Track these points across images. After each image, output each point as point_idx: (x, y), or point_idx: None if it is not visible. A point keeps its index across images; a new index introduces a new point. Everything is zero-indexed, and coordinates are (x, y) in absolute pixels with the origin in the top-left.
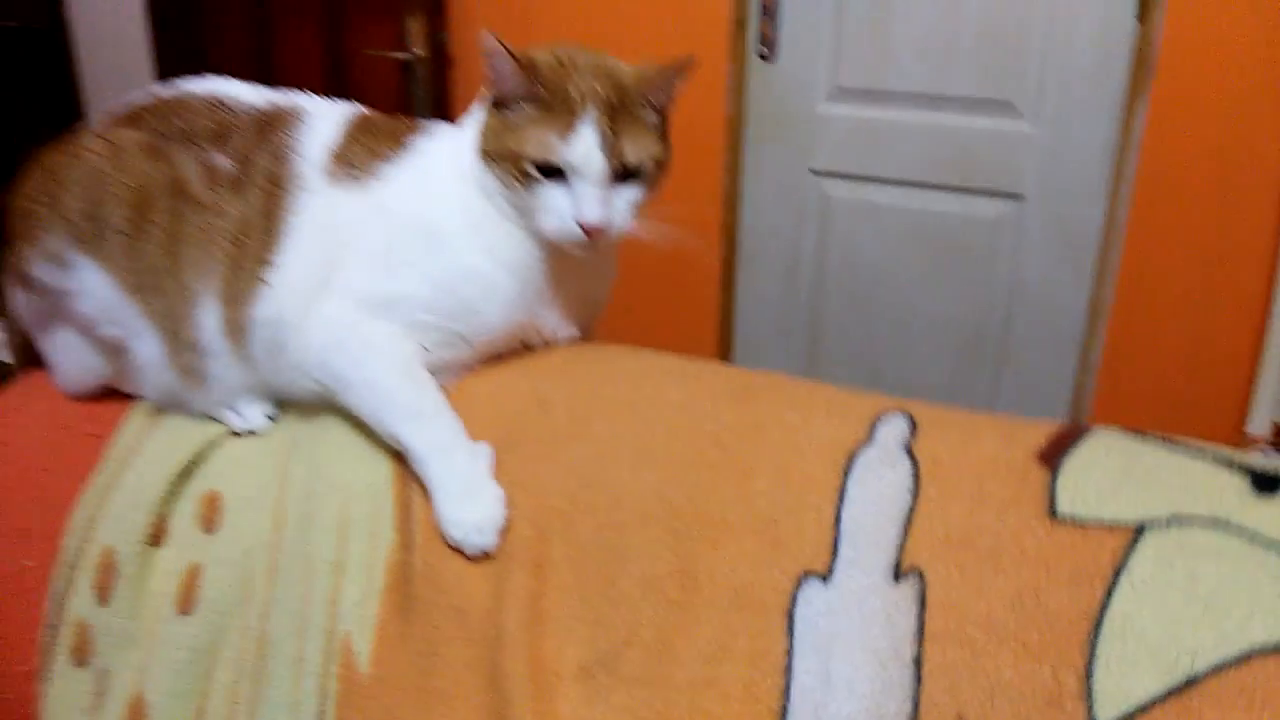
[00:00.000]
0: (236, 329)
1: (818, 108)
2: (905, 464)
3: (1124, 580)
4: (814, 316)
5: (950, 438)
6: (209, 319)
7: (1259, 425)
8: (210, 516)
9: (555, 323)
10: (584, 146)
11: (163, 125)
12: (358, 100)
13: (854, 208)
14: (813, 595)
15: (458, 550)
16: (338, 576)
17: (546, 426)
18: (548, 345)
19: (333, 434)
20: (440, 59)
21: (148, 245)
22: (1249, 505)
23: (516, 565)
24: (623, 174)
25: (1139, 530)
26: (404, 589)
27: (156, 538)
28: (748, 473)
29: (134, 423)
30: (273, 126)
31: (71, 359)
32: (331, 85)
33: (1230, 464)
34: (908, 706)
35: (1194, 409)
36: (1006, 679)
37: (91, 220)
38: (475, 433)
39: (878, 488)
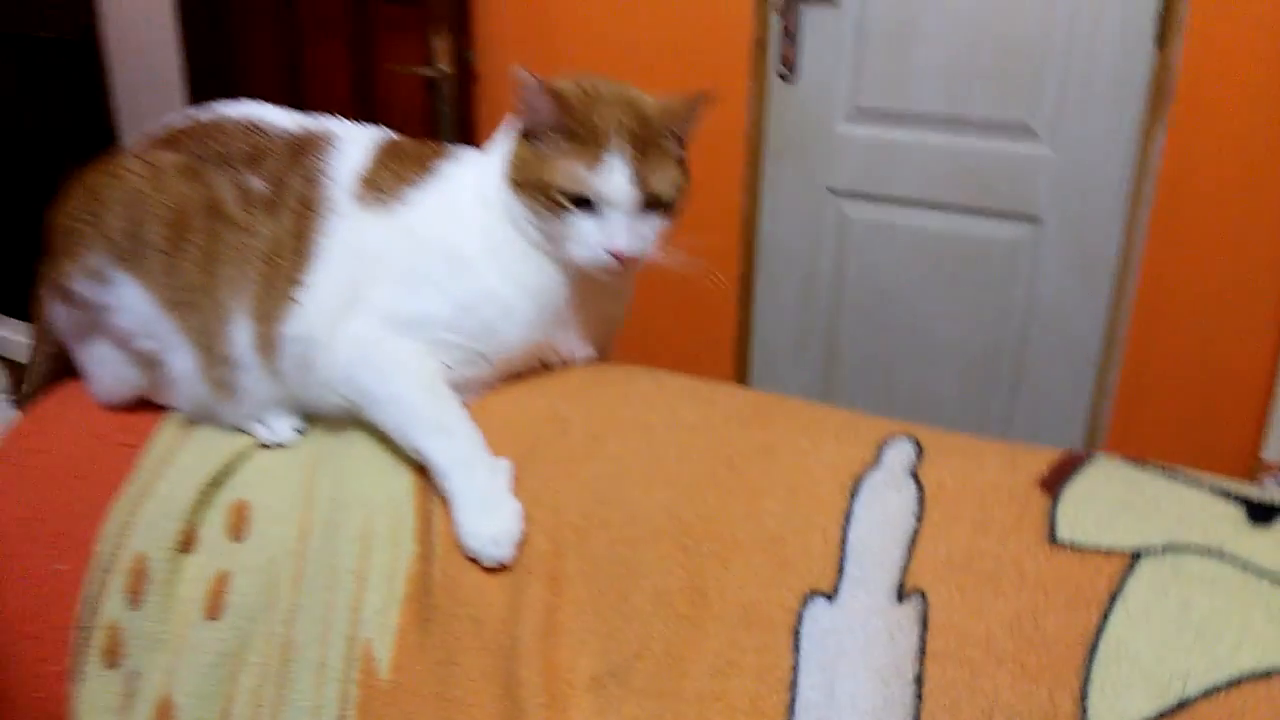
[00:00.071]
0: (268, 345)
1: (837, 128)
2: (910, 488)
3: (1120, 606)
4: (830, 335)
5: (955, 463)
6: (242, 335)
7: (1275, 451)
8: (238, 525)
9: (573, 344)
10: (614, 178)
11: (199, 148)
12: (384, 115)
13: (872, 228)
14: (818, 613)
15: (474, 561)
16: (360, 585)
17: (564, 445)
18: (566, 365)
19: (357, 448)
20: (466, 76)
21: (185, 263)
22: (1244, 535)
23: (532, 578)
24: (649, 203)
25: (1135, 557)
26: (423, 599)
27: (186, 545)
28: (757, 493)
29: (166, 433)
30: (305, 150)
31: (107, 371)
32: (358, 100)
33: (1227, 494)
34: None
35: (1209, 434)
36: (1004, 699)
37: (131, 238)
38: (495, 449)
39: (883, 510)
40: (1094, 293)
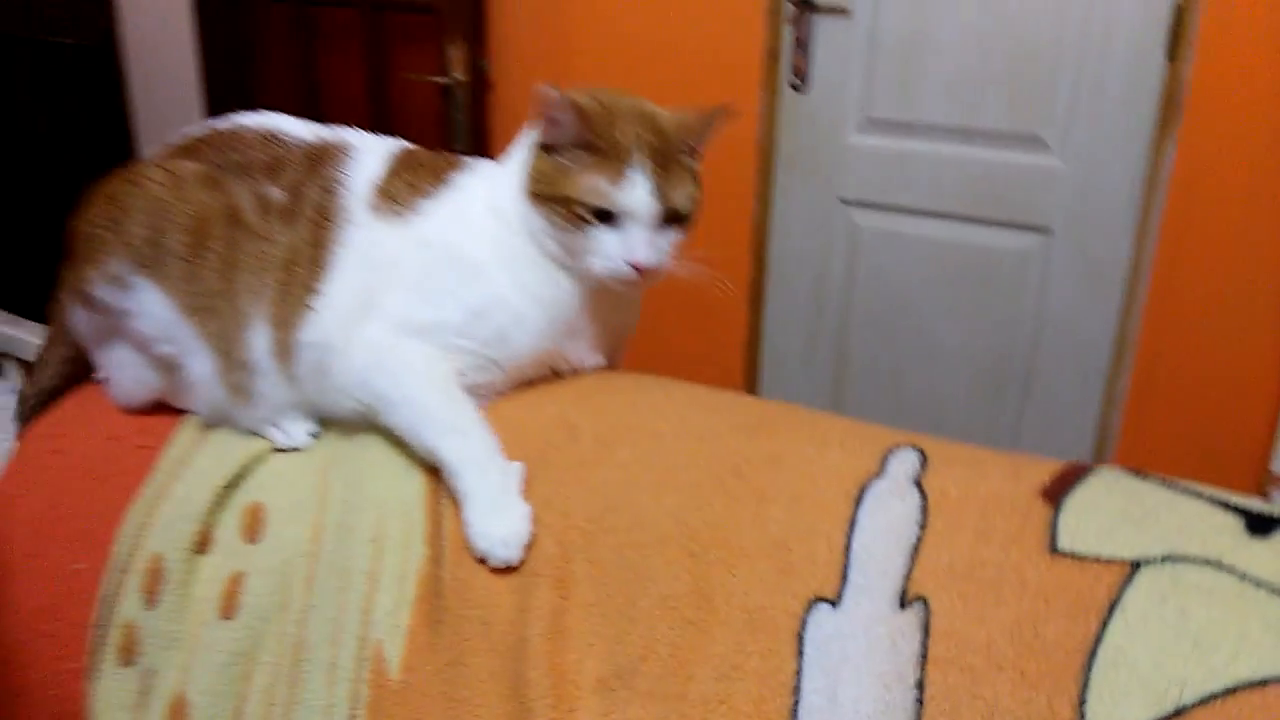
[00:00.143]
0: (284, 351)
1: (848, 138)
2: (914, 497)
3: (1118, 614)
4: (840, 344)
5: (958, 473)
6: (259, 340)
7: None
8: (253, 527)
9: (584, 352)
10: (636, 192)
11: (219, 157)
12: (399, 122)
13: (882, 237)
14: (822, 619)
15: (483, 562)
16: (371, 587)
17: (573, 451)
18: (576, 373)
19: (370, 452)
20: (480, 84)
21: (204, 270)
22: (1242, 546)
23: (541, 581)
24: (668, 216)
25: (1135, 567)
26: (433, 601)
27: (202, 546)
28: (763, 500)
29: (183, 436)
30: (322, 161)
31: (127, 374)
32: (373, 107)
33: (1226, 506)
34: None
35: (1219, 445)
36: (1004, 705)
37: (152, 245)
38: (506, 453)
39: (887, 519)
40: (1104, 303)
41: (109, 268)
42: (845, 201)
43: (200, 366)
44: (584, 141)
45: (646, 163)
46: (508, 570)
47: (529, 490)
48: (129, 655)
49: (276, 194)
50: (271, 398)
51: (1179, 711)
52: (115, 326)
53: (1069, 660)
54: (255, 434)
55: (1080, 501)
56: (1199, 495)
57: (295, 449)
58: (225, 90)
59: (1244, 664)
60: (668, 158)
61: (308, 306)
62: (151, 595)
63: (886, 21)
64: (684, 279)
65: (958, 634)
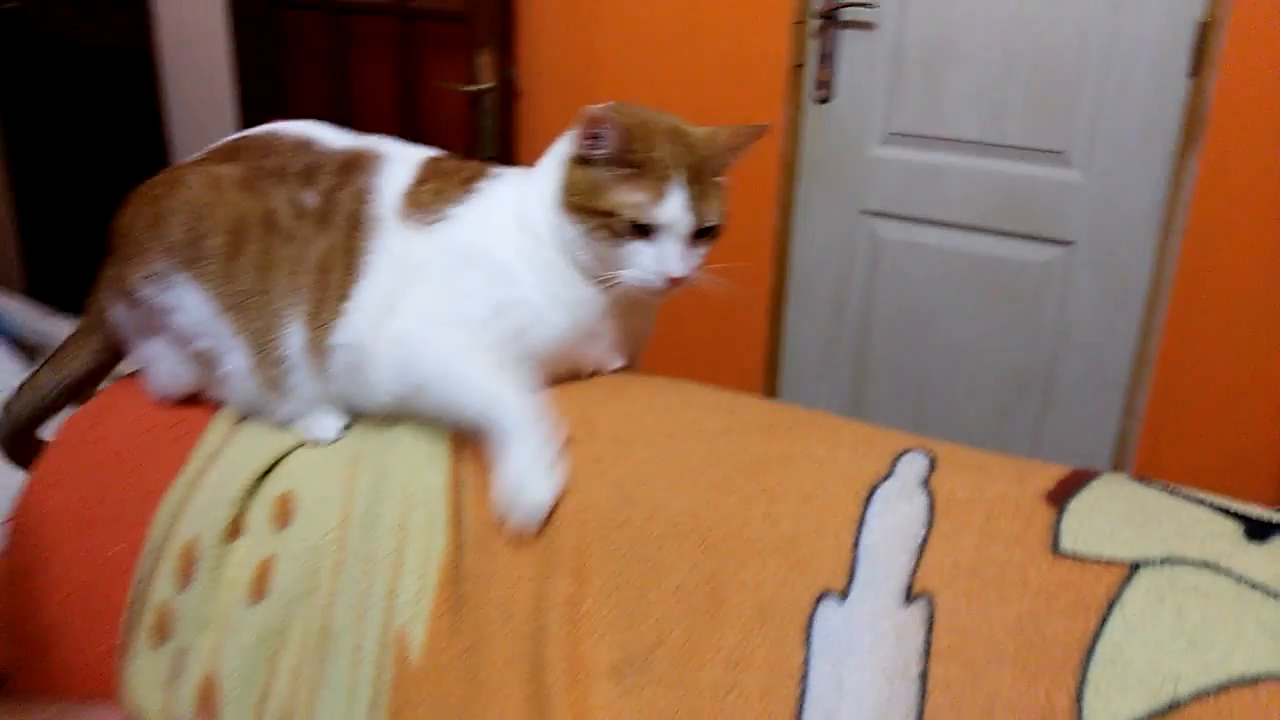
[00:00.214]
0: (317, 349)
1: (871, 150)
2: (922, 498)
3: (1117, 612)
4: (860, 354)
5: (966, 476)
6: (293, 338)
7: None
8: (283, 514)
9: (604, 354)
10: (674, 208)
11: (256, 162)
12: (428, 129)
13: (904, 248)
14: (830, 613)
15: (504, 521)
16: (396, 573)
17: (592, 447)
18: (597, 374)
19: (397, 445)
20: (508, 92)
21: (241, 270)
22: (1240, 550)
23: (558, 570)
24: (699, 231)
25: (1134, 568)
26: (455, 587)
27: (234, 532)
28: (775, 498)
29: (218, 428)
30: (354, 168)
31: (165, 367)
32: (403, 114)
33: (1226, 511)
34: (912, 717)
35: (1237, 458)
36: (1004, 697)
37: (192, 245)
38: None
39: (895, 518)
40: (1124, 316)
41: (150, 266)
42: (867, 213)
43: (235, 361)
44: (623, 158)
45: (683, 180)
46: (525, 534)
47: None
48: (162, 635)
49: (310, 199)
50: (303, 392)
51: (1173, 706)
52: (155, 322)
53: (1068, 656)
54: (287, 427)
55: (1083, 505)
56: (1200, 501)
57: (325, 442)
58: (258, 95)
59: (1237, 661)
60: (701, 174)
61: (340, 311)
62: (185, 578)
63: (911, 35)
64: (706, 287)
65: (961, 629)
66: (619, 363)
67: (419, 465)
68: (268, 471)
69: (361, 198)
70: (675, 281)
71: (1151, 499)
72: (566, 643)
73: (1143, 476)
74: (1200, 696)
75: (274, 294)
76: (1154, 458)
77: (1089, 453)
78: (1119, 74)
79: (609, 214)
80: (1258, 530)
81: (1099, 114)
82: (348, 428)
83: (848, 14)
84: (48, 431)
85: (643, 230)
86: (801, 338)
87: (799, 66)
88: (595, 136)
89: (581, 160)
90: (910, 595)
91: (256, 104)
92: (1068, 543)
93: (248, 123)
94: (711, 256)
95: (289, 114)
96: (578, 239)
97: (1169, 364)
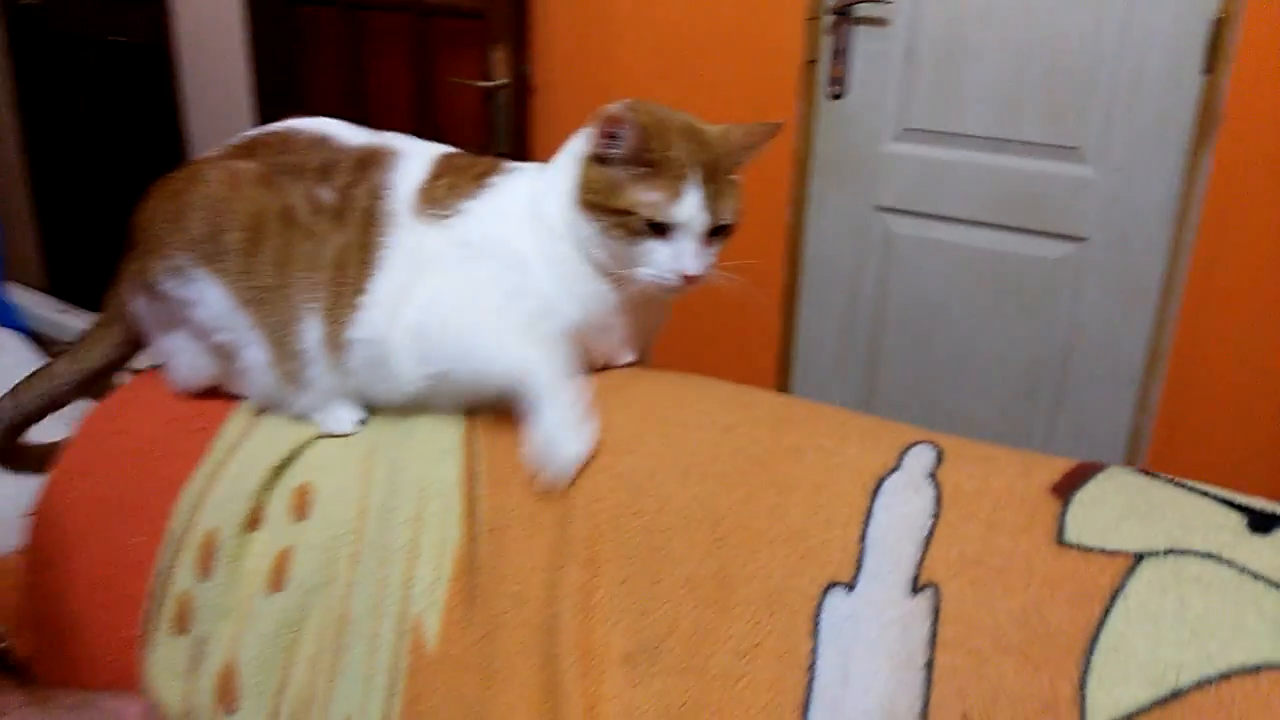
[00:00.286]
0: (335, 344)
1: (884, 147)
2: (929, 490)
3: (1120, 602)
4: (873, 350)
5: (972, 468)
6: (311, 332)
7: None
8: (301, 506)
9: (615, 348)
10: (691, 207)
11: (274, 158)
12: (444, 124)
13: (917, 244)
14: (837, 602)
15: (537, 473)
16: (411, 564)
17: (604, 440)
18: (608, 368)
19: (412, 438)
20: (523, 89)
21: (260, 265)
22: (1242, 542)
23: (571, 560)
24: (714, 229)
25: (1138, 558)
26: (469, 577)
27: (253, 523)
28: (784, 490)
29: (237, 421)
30: (369, 165)
31: (185, 361)
32: (419, 110)
33: (1230, 504)
34: (918, 705)
35: (1251, 453)
36: (1009, 685)
37: (211, 240)
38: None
39: (902, 510)
40: (1137, 312)
41: (171, 260)
42: (880, 209)
43: (254, 355)
44: (640, 157)
45: (699, 178)
46: (556, 486)
47: None
48: (182, 624)
49: (327, 195)
50: (321, 385)
51: (1175, 694)
52: (175, 315)
53: (1072, 644)
54: (305, 420)
55: (1088, 497)
56: (1204, 493)
57: (342, 435)
58: (274, 92)
59: (1239, 651)
60: (716, 173)
61: (357, 305)
62: (205, 568)
63: (924, 31)
64: (719, 284)
65: (966, 618)
66: (629, 357)
67: (434, 458)
68: (286, 464)
69: (377, 194)
70: (690, 279)
71: (1156, 491)
72: (579, 632)
73: (1147, 469)
74: (1202, 685)
75: (292, 288)
76: (1167, 453)
77: (1102, 448)
78: (1133, 70)
79: (626, 212)
80: (1260, 522)
81: (1113, 110)
82: (364, 421)
83: (861, 10)
84: (47, 431)
85: (659, 228)
86: (815, 333)
87: (812, 63)
88: (613, 136)
89: (598, 159)
90: (916, 585)
91: (273, 100)
92: (1072, 534)
93: (264, 118)
94: (725, 253)
95: (305, 110)
96: (593, 236)
97: (1182, 359)
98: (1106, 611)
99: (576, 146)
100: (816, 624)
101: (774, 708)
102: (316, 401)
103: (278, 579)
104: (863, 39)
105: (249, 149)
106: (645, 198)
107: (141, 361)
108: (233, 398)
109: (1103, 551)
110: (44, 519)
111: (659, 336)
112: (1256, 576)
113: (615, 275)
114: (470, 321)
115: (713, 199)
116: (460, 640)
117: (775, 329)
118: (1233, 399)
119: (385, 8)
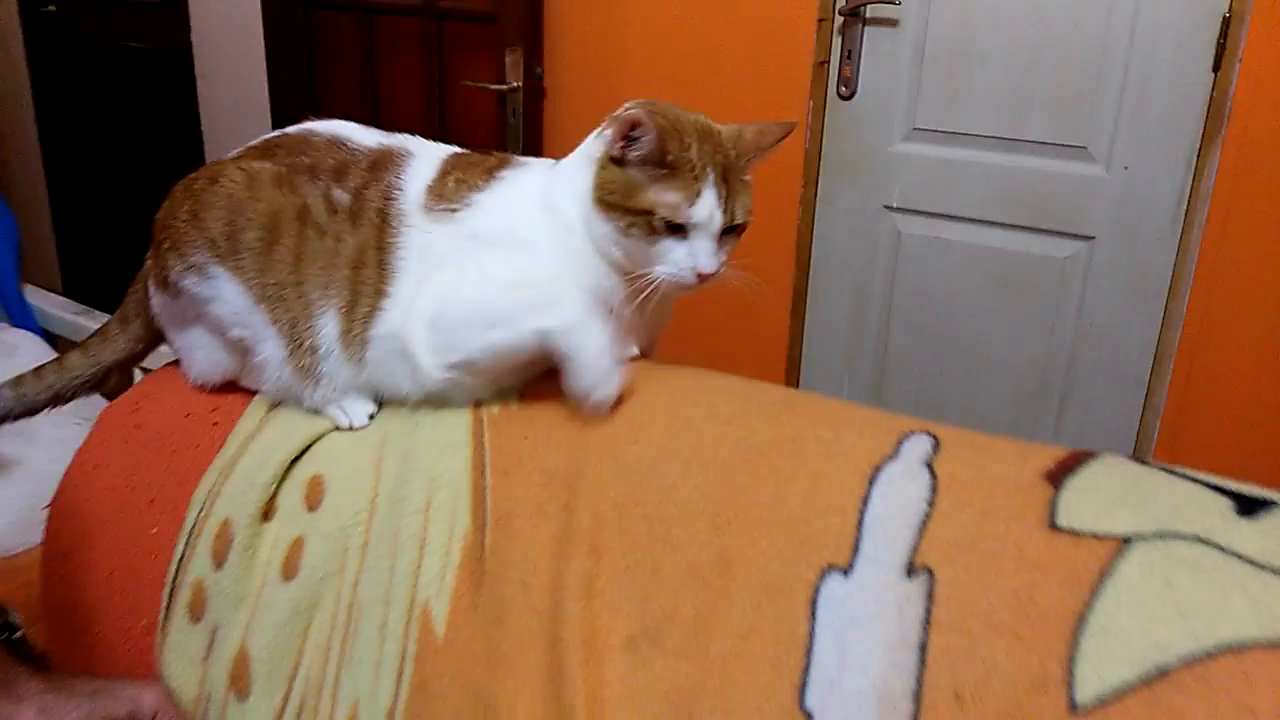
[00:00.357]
0: (352, 340)
1: (894, 146)
2: (925, 478)
3: (1109, 584)
4: (882, 348)
5: (968, 456)
6: (326, 328)
7: None
8: (314, 496)
9: (620, 342)
10: (707, 208)
11: (291, 159)
12: (457, 127)
13: (926, 243)
14: (834, 586)
15: (581, 406)
16: (420, 552)
17: (608, 431)
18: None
19: (421, 430)
20: (535, 91)
21: (276, 263)
22: (1231, 525)
23: (576, 549)
24: (728, 228)
25: (1127, 542)
26: (476, 566)
27: (267, 513)
28: (783, 478)
29: (252, 414)
30: (382, 166)
31: (201, 355)
32: (432, 112)
33: (1219, 489)
34: (912, 684)
35: (1257, 452)
36: (1000, 665)
37: (229, 238)
38: (546, 431)
39: (898, 497)
40: (1145, 310)
41: (190, 257)
42: (890, 208)
43: (270, 350)
44: (659, 159)
45: (715, 179)
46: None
47: (566, 466)
48: (197, 612)
49: (342, 196)
50: (335, 380)
51: (1161, 672)
52: (193, 311)
53: (1061, 625)
54: (318, 413)
55: (1080, 483)
56: (1194, 479)
57: (355, 428)
58: (291, 95)
59: (1224, 629)
60: (731, 173)
61: (379, 306)
62: (220, 557)
63: (934, 32)
64: (732, 284)
65: (960, 601)
66: (634, 351)
67: (442, 450)
68: (300, 455)
69: (388, 195)
70: (705, 277)
71: (1147, 478)
72: (583, 618)
73: (1139, 457)
74: (1188, 663)
75: (308, 286)
76: (1174, 450)
77: (1109, 445)
78: (1141, 68)
79: (644, 212)
80: (1248, 506)
81: (1121, 109)
82: (375, 415)
83: (871, 11)
84: (47, 429)
85: (675, 228)
86: (823, 332)
87: (822, 63)
88: (630, 138)
89: (615, 160)
90: (911, 569)
91: (290, 103)
92: (1064, 519)
93: (281, 122)
94: (735, 251)
95: (321, 113)
96: (610, 234)
97: (1189, 359)
98: (1096, 593)
99: (592, 147)
100: (814, 607)
101: (772, 688)
102: (330, 395)
103: (290, 567)
104: (873, 40)
105: (267, 151)
106: (664, 199)
107: (153, 361)
108: (248, 392)
109: (1093, 535)
110: (62, 511)
111: (667, 334)
112: (1242, 558)
113: (632, 273)
114: (484, 299)
115: (728, 199)
116: (467, 626)
117: (785, 327)
118: (1240, 397)
119: (400, 12)
